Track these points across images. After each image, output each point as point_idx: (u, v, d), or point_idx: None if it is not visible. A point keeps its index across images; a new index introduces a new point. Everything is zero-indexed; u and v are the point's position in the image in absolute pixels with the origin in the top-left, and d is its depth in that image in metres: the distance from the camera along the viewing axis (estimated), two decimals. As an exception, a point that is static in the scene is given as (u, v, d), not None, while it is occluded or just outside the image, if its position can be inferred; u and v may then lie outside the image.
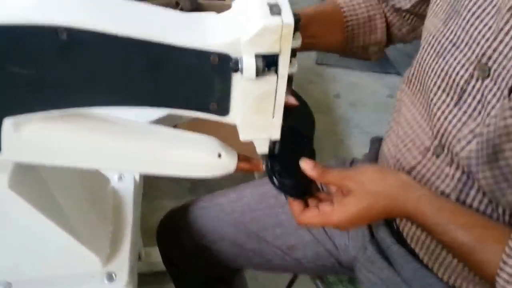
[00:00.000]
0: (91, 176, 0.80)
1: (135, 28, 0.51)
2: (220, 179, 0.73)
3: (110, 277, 0.73)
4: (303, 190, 0.76)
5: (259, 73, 0.53)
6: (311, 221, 0.75)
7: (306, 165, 0.73)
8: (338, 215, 0.72)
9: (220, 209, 1.05)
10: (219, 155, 0.66)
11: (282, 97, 0.58)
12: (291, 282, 1.29)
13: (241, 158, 0.70)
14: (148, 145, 0.63)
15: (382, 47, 1.03)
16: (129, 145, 0.62)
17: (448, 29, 0.78)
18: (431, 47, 0.82)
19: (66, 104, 0.55)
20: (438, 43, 0.80)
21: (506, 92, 0.68)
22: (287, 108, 0.68)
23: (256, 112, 0.58)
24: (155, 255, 1.63)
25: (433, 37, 0.82)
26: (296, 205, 0.75)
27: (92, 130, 0.60)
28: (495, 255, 0.68)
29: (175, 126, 0.98)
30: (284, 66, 0.54)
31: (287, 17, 0.51)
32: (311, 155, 0.77)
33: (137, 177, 0.89)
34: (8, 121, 0.55)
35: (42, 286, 0.72)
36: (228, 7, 0.57)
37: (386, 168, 0.81)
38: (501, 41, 0.69)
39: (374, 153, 1.00)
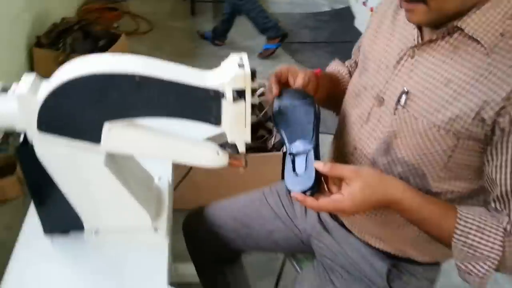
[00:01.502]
0: (144, 172, 1.24)
1: (172, 75, 0.94)
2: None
3: (155, 229, 1.15)
4: (317, 187, 0.97)
5: (234, 100, 0.95)
6: (326, 207, 0.95)
7: (318, 165, 0.97)
8: (347, 202, 0.93)
9: (223, 208, 1.46)
10: (218, 153, 1.06)
11: (249, 115, 0.99)
12: (283, 264, 1.72)
13: (231, 157, 1.07)
14: (179, 144, 1.05)
15: None
16: (167, 142, 1.05)
17: (362, 79, 1.18)
18: (352, 91, 1.22)
19: (135, 115, 0.98)
20: (356, 88, 1.20)
21: (392, 111, 1.07)
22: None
23: (236, 123, 0.99)
24: (182, 269, 2.05)
25: (353, 85, 1.22)
26: (310, 200, 0.96)
27: (145, 131, 1.03)
28: (451, 221, 0.96)
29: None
30: (248, 96, 0.96)
31: (247, 70, 0.94)
32: (317, 154, 1.02)
33: (170, 180, 1.32)
34: (106, 125, 0.98)
35: (117, 232, 1.14)
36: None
37: (377, 169, 1.04)
38: (390, 84, 1.08)
39: None
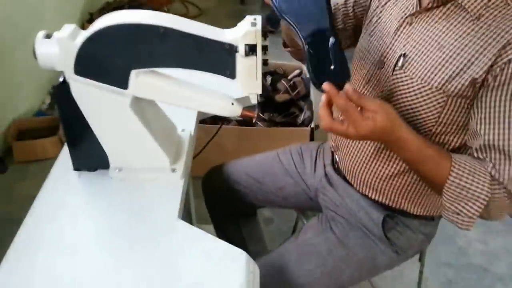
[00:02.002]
0: (167, 121, 1.35)
1: (192, 29, 1.05)
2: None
3: (174, 170, 1.26)
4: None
5: (246, 54, 1.04)
6: (350, 111, 0.96)
7: (348, 88, 0.97)
8: (365, 125, 0.97)
9: (239, 165, 1.58)
10: (232, 104, 1.16)
11: (260, 69, 1.08)
12: (296, 223, 1.83)
13: (244, 109, 1.17)
14: (197, 93, 1.16)
15: None
16: (186, 91, 1.16)
17: (366, 44, 1.28)
18: (357, 54, 1.32)
19: (159, 64, 1.09)
20: (361, 51, 1.30)
21: (391, 73, 1.17)
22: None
23: (248, 76, 1.08)
24: (204, 229, 2.13)
25: (359, 49, 1.32)
26: (342, 96, 0.97)
27: (168, 80, 1.15)
28: (447, 165, 1.03)
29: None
30: (259, 51, 1.05)
31: (258, 28, 1.04)
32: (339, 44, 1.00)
33: (192, 132, 1.43)
34: (133, 72, 1.10)
35: (138, 171, 1.26)
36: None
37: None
38: (390, 49, 1.19)
39: None
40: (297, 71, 2.88)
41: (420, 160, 1.06)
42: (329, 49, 0.98)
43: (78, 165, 1.29)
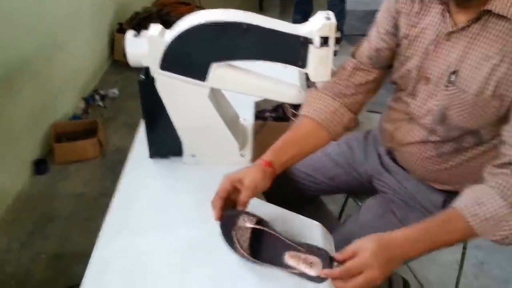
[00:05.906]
0: (233, 111, 1.38)
1: (271, 25, 1.08)
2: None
3: (242, 155, 1.31)
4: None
5: (320, 45, 1.07)
6: (351, 271, 0.93)
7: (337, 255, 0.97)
8: (362, 262, 0.94)
9: None
10: (299, 91, 1.20)
11: (331, 59, 1.11)
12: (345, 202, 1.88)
13: None
14: (268, 82, 1.19)
15: None
16: (258, 81, 1.19)
17: (405, 65, 1.23)
18: (399, 75, 1.27)
19: (238, 57, 1.12)
20: (402, 72, 1.25)
21: (443, 87, 1.15)
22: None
23: (319, 65, 1.11)
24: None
25: (400, 71, 1.26)
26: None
27: (241, 71, 1.18)
28: (457, 222, 1.01)
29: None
30: (332, 43, 1.08)
31: (333, 21, 1.06)
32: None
33: (252, 121, 1.47)
34: (213, 65, 1.13)
35: (210, 157, 1.30)
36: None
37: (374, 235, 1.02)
38: (432, 65, 1.16)
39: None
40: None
41: (436, 240, 1.02)
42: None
43: (154, 153, 1.32)
